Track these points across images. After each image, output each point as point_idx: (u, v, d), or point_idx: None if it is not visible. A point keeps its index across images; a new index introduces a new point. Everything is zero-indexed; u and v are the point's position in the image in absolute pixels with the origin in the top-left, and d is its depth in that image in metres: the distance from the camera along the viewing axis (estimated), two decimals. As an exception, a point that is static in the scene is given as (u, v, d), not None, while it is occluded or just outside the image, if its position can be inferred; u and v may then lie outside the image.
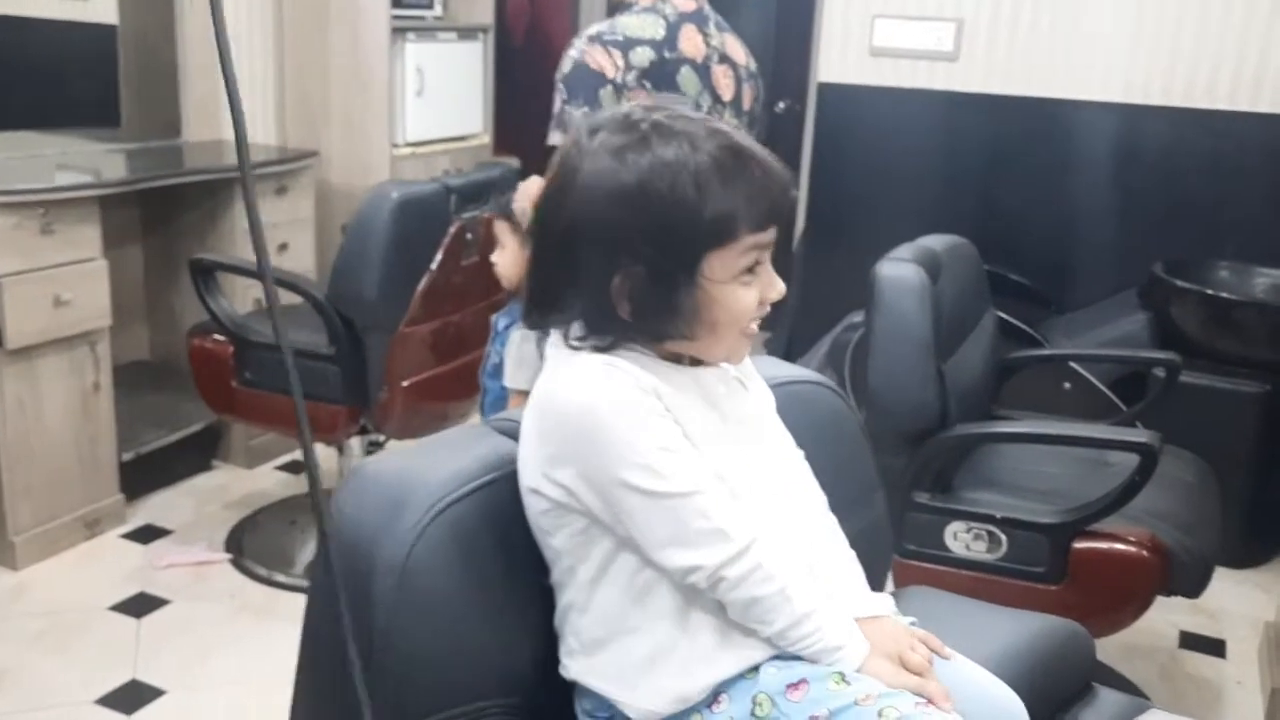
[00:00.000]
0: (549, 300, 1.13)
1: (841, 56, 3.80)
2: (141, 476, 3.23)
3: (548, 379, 1.13)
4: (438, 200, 2.81)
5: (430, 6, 4.11)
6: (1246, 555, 3.07)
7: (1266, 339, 3.08)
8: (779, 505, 1.17)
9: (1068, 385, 3.12)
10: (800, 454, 1.26)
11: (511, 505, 1.12)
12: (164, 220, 3.54)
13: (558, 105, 2.03)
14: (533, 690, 1.11)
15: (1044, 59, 3.51)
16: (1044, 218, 3.62)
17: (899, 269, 2.26)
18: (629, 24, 2.07)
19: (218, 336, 2.89)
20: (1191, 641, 2.80)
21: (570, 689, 1.18)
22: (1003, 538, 2.18)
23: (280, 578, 2.87)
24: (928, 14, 3.63)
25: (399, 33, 3.82)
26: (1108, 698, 1.44)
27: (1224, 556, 2.81)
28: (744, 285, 1.11)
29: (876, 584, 1.34)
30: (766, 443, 1.23)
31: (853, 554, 1.25)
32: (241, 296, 3.33)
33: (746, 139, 1.13)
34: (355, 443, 3.00)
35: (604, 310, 1.10)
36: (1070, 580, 2.12)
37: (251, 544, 3.03)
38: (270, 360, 2.83)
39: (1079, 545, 2.11)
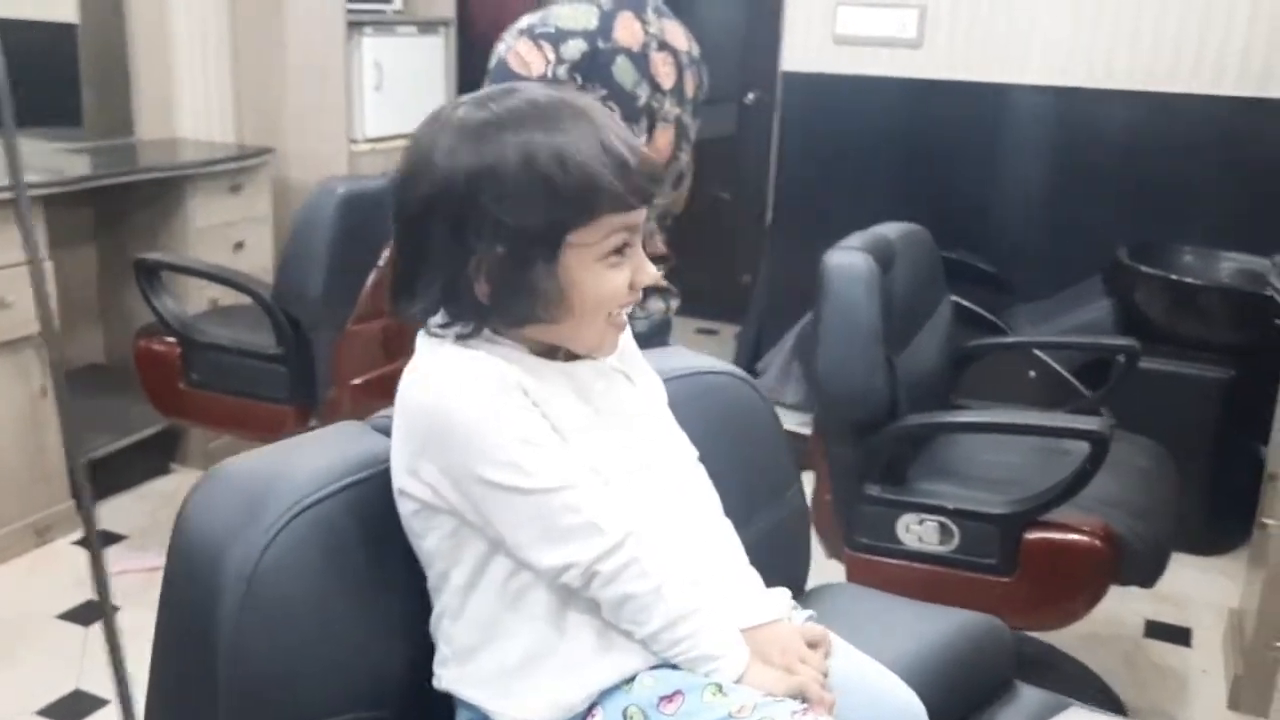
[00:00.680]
0: (407, 287, 1.08)
1: (805, 45, 3.76)
2: (94, 482, 3.16)
3: (408, 373, 1.08)
4: (386, 196, 2.76)
5: (389, 0, 4.07)
6: (1211, 542, 3.04)
7: (1230, 323, 3.05)
8: (660, 503, 1.13)
9: (1032, 373, 3.09)
10: (694, 454, 1.22)
11: (385, 506, 1.06)
12: (116, 220, 3.49)
13: None
14: (408, 702, 1.06)
15: (1006, 44, 3.47)
16: (1008, 205, 3.59)
17: (847, 257, 2.22)
18: (561, 14, 2.02)
19: (166, 338, 2.85)
20: (1156, 630, 2.77)
21: (451, 700, 1.12)
22: (955, 529, 2.14)
23: (233, 582, 2.82)
24: (890, 0, 3.58)
25: (355, 26, 3.77)
26: (1029, 695, 1.40)
27: (1188, 544, 2.80)
28: (611, 267, 1.07)
29: (796, 581, 1.29)
30: (650, 438, 1.18)
31: (744, 559, 1.20)
32: (196, 297, 3.28)
33: (608, 116, 1.08)
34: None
35: (461, 294, 1.05)
36: (1022, 571, 2.08)
37: (206, 548, 2.97)
38: (218, 361, 2.78)
39: (1030, 536, 2.07)
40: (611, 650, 1.07)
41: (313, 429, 2.80)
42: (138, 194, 3.34)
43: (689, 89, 2.17)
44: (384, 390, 2.82)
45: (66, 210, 3.15)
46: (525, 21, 2.03)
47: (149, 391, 2.89)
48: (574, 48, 1.99)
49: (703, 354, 1.38)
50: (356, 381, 2.75)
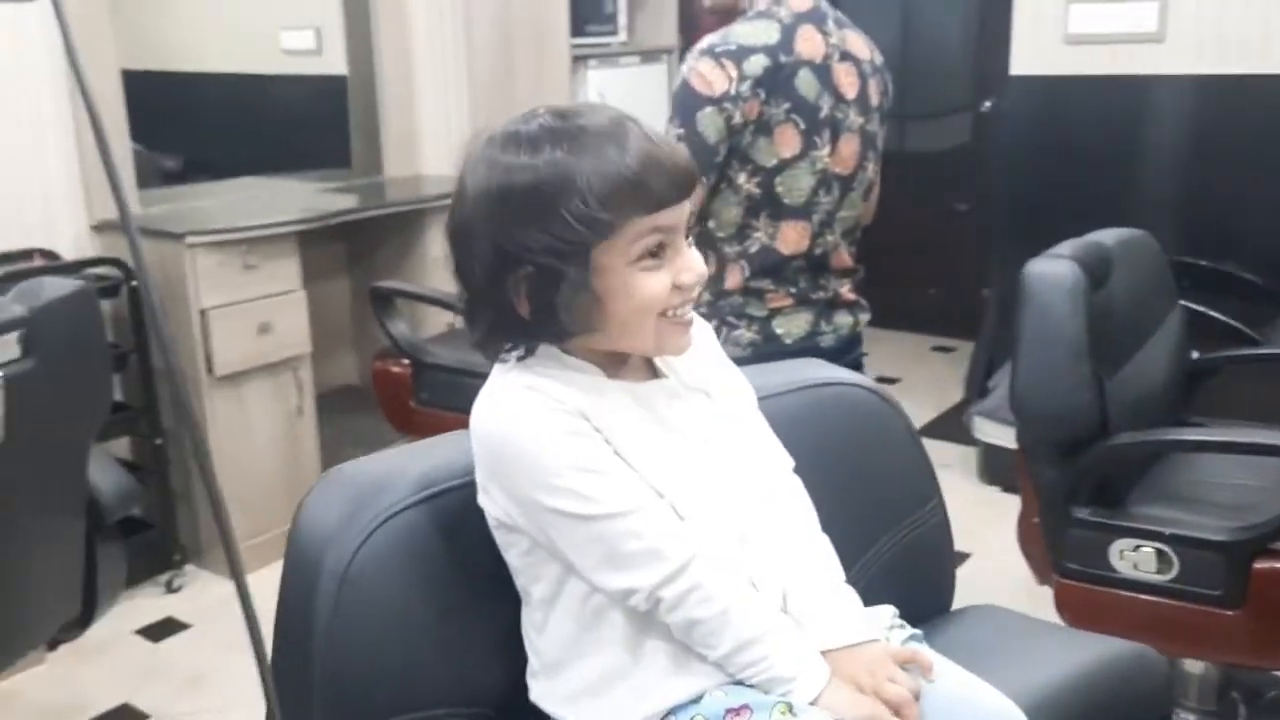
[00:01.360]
0: (469, 314, 1.12)
1: (1035, 47, 3.59)
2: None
3: (479, 397, 1.12)
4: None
5: (615, 32, 4.20)
6: None
7: None
8: (737, 521, 1.11)
9: (1289, 390, 2.80)
10: (788, 464, 1.19)
11: (480, 514, 1.10)
12: (366, 252, 3.79)
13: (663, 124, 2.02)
14: (509, 705, 1.09)
15: (1263, 32, 3.18)
16: (1273, 209, 3.27)
17: (1051, 265, 2.11)
18: (742, 32, 2.03)
19: (400, 360, 3.05)
20: None
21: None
22: (1174, 557, 1.98)
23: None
24: (1126, -7, 3.37)
25: (580, 60, 3.92)
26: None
27: None
28: (646, 271, 1.06)
29: (938, 600, 1.24)
30: (728, 453, 1.16)
31: (838, 576, 1.15)
32: (434, 321, 3.51)
33: (630, 121, 1.07)
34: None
35: (507, 314, 1.08)
36: (1250, 604, 1.90)
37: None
38: (444, 380, 2.95)
39: (1260, 565, 1.89)
40: (685, 672, 1.07)
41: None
42: (382, 227, 3.61)
43: (873, 97, 2.13)
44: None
45: (321, 244, 3.44)
46: (707, 42, 2.06)
47: (385, 410, 3.11)
48: (756, 63, 2.00)
49: (839, 368, 1.35)
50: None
